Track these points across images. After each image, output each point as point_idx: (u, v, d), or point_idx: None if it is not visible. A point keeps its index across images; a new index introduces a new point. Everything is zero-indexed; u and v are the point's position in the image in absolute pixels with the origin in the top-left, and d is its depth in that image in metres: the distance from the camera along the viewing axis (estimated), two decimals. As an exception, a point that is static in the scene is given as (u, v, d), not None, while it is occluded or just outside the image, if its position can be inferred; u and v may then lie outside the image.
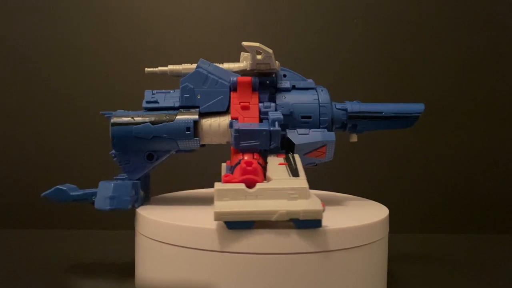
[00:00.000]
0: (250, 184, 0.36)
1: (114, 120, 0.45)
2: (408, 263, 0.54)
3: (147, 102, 0.46)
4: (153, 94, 0.47)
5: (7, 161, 0.70)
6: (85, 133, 0.70)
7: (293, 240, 0.34)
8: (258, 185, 0.35)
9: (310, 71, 0.51)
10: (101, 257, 0.55)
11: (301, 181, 0.36)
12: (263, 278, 0.34)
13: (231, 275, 0.34)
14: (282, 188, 0.35)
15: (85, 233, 0.66)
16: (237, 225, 0.34)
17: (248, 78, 0.44)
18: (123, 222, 0.53)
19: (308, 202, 0.35)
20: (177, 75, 0.47)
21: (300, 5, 0.71)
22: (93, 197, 0.44)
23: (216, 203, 0.34)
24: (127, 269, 0.47)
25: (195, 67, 0.45)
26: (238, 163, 0.39)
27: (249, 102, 0.43)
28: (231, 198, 0.35)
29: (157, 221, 0.38)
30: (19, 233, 0.66)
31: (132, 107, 0.73)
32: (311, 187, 0.36)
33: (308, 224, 0.34)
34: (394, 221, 0.43)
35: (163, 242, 0.37)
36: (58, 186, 0.47)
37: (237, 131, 0.40)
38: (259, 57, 0.43)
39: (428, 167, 0.71)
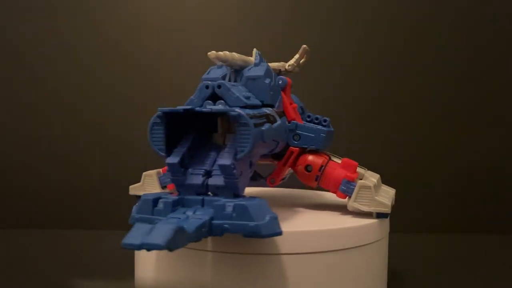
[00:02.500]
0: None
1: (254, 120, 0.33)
2: (408, 263, 0.54)
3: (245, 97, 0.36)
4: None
5: (7, 161, 0.70)
6: (85, 133, 0.70)
7: (293, 240, 0.34)
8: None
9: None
10: (101, 257, 0.55)
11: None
12: (263, 279, 0.34)
13: (231, 275, 0.34)
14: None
15: (85, 233, 0.66)
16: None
17: (290, 80, 0.42)
18: (123, 222, 0.52)
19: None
20: (232, 65, 0.40)
21: (300, 5, 0.71)
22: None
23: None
24: (127, 269, 0.47)
25: (252, 58, 0.40)
26: (327, 163, 0.41)
27: (292, 104, 0.42)
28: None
29: (157, 221, 0.38)
30: (19, 233, 0.66)
31: (133, 106, 0.73)
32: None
33: None
34: (394, 221, 0.43)
35: (163, 242, 0.37)
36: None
37: (329, 132, 0.41)
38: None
39: (428, 167, 0.71)
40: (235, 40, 0.69)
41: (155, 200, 0.32)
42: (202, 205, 0.32)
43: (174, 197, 0.32)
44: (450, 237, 0.67)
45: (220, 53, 0.37)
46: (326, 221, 0.37)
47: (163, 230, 0.26)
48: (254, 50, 0.40)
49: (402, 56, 0.71)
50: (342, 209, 0.43)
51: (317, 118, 0.43)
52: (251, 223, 0.30)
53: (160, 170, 0.44)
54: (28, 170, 0.70)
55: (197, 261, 0.35)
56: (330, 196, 0.51)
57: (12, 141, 0.70)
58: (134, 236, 0.26)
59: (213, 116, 0.36)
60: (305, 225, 0.36)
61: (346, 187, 0.39)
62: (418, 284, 0.48)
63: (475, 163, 0.71)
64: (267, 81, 0.38)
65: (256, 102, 0.37)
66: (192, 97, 0.36)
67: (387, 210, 0.38)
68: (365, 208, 0.39)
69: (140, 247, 0.25)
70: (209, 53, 0.37)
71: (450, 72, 0.71)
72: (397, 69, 0.71)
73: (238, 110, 0.32)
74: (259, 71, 0.38)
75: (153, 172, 0.44)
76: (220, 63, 0.38)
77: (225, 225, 0.30)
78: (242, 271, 0.34)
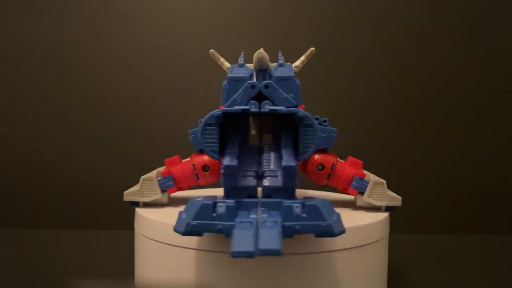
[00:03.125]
0: None
1: None
2: (408, 263, 0.54)
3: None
4: None
5: (7, 161, 0.70)
6: (85, 133, 0.70)
7: (293, 240, 0.34)
8: None
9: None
10: (101, 257, 0.55)
11: None
12: (262, 278, 0.34)
13: (231, 275, 0.34)
14: None
15: (85, 233, 0.66)
16: None
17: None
18: (123, 222, 0.53)
19: None
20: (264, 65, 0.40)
21: (301, 5, 0.71)
22: None
23: None
24: (127, 269, 0.47)
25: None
26: (337, 161, 0.41)
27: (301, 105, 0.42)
28: None
29: (157, 221, 0.38)
30: (19, 233, 0.66)
31: (131, 107, 0.73)
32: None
33: None
34: (394, 221, 0.43)
35: (163, 243, 0.37)
36: None
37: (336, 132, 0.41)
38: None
39: (428, 167, 0.71)
40: (236, 40, 0.69)
41: (214, 205, 0.30)
42: (260, 207, 0.31)
43: (231, 200, 0.31)
44: (450, 237, 0.67)
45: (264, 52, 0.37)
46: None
47: (271, 235, 0.26)
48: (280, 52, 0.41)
49: (403, 56, 0.71)
50: (342, 209, 0.43)
51: (317, 118, 0.43)
52: (324, 223, 0.30)
53: (159, 173, 0.43)
54: (28, 170, 0.70)
55: (197, 261, 0.35)
56: (329, 197, 0.51)
57: (12, 140, 0.70)
58: (242, 243, 0.25)
59: (252, 116, 0.35)
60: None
61: (358, 184, 0.41)
62: (418, 284, 0.48)
63: (475, 163, 0.71)
64: (298, 81, 0.38)
65: (296, 103, 0.37)
66: (235, 96, 0.35)
67: (399, 203, 0.41)
68: (378, 203, 0.41)
69: (254, 254, 0.25)
70: (258, 51, 0.36)
71: (451, 72, 0.71)
72: (397, 69, 0.71)
73: (303, 111, 0.32)
74: (289, 72, 0.38)
75: (152, 175, 0.42)
76: (261, 63, 0.37)
77: (296, 227, 0.30)
78: (242, 271, 0.34)
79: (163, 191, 0.42)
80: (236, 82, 0.37)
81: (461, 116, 0.71)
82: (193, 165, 0.42)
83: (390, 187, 0.44)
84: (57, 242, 0.62)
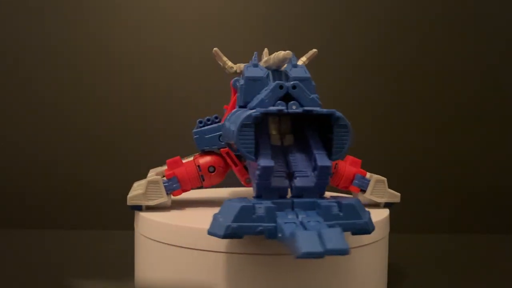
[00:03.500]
0: None
1: None
2: (408, 263, 0.54)
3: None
4: None
5: (7, 161, 0.70)
6: (85, 134, 0.70)
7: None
8: None
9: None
10: (101, 257, 0.55)
11: None
12: (262, 279, 0.34)
13: (231, 275, 0.34)
14: None
15: (85, 233, 0.66)
16: None
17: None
18: (123, 222, 0.53)
19: None
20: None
21: (302, 5, 0.71)
22: None
23: None
24: (127, 269, 0.47)
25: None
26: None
27: None
28: None
29: (157, 221, 0.38)
30: (19, 233, 0.66)
31: (133, 107, 0.73)
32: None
33: None
34: (394, 221, 0.43)
35: (163, 243, 0.37)
36: None
37: None
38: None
39: (428, 167, 0.71)
40: (235, 40, 0.69)
41: (253, 207, 0.30)
42: (292, 208, 0.31)
43: (268, 201, 0.31)
44: (450, 237, 0.67)
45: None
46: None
47: (335, 234, 0.26)
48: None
49: (403, 56, 0.71)
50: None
51: None
52: (361, 221, 0.31)
53: (159, 174, 0.42)
54: (28, 170, 0.70)
55: (197, 261, 0.35)
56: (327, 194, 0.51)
57: (13, 141, 0.70)
58: (310, 244, 0.25)
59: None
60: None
61: (360, 182, 0.43)
62: (418, 284, 0.48)
63: (475, 163, 0.71)
64: (313, 82, 0.38)
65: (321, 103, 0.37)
66: (263, 97, 0.34)
67: (398, 199, 0.44)
68: (379, 200, 0.43)
69: (323, 254, 0.25)
70: (287, 51, 0.36)
71: (451, 73, 0.71)
72: (398, 70, 0.71)
73: (337, 112, 0.33)
74: (304, 73, 0.38)
75: (157, 178, 0.41)
76: (282, 64, 0.37)
77: (335, 226, 0.30)
78: (242, 271, 0.34)
79: (167, 194, 0.41)
80: (254, 82, 0.37)
81: (461, 116, 0.71)
82: (198, 166, 0.42)
83: (390, 187, 0.45)
84: (57, 242, 0.62)
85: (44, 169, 0.70)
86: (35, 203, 0.70)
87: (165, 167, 0.43)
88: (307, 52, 0.47)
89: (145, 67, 0.71)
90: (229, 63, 0.45)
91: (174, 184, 0.41)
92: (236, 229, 0.29)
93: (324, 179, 0.32)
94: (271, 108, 0.33)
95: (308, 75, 0.38)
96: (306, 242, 0.25)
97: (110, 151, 0.70)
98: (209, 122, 0.43)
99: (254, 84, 0.37)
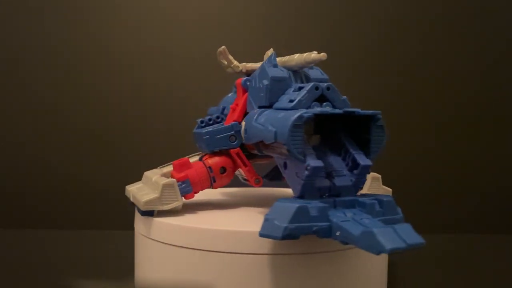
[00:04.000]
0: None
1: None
2: (408, 263, 0.54)
3: None
4: None
5: (7, 161, 0.70)
6: (85, 133, 0.70)
7: (293, 240, 0.34)
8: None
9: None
10: (101, 257, 0.55)
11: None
12: (263, 278, 0.34)
13: (231, 275, 0.34)
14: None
15: (85, 233, 0.66)
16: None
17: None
18: (123, 222, 0.53)
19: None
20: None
21: (302, 5, 0.71)
22: None
23: None
24: (127, 269, 0.47)
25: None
26: None
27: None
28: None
29: (156, 221, 0.38)
30: (19, 233, 0.66)
31: (133, 107, 0.73)
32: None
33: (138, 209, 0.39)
34: (394, 221, 0.43)
35: (163, 242, 0.37)
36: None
37: None
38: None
39: (428, 167, 0.71)
40: (236, 40, 0.69)
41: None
42: (335, 206, 0.32)
43: (316, 201, 0.31)
44: (450, 237, 0.67)
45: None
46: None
47: (408, 229, 0.28)
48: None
49: (404, 56, 0.71)
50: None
51: None
52: (398, 216, 0.33)
53: (165, 175, 0.41)
54: (28, 170, 0.70)
55: (197, 261, 0.35)
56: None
57: (13, 141, 0.70)
58: (392, 240, 0.26)
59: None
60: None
61: None
62: (418, 284, 0.48)
63: (475, 163, 0.71)
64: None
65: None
66: (300, 98, 0.34)
67: (390, 194, 0.44)
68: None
69: (406, 249, 0.27)
70: (322, 54, 0.37)
71: (451, 72, 0.71)
72: (397, 69, 0.71)
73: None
74: (322, 74, 0.39)
75: (173, 181, 0.39)
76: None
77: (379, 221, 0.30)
78: (242, 271, 0.34)
79: (182, 196, 0.39)
80: (279, 82, 0.37)
81: (461, 116, 0.71)
82: (210, 167, 0.41)
83: (390, 187, 0.45)
84: (57, 242, 0.62)
85: (44, 169, 0.70)
86: (35, 203, 0.70)
87: (165, 169, 0.43)
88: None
89: (145, 67, 0.71)
90: (235, 62, 0.44)
91: (187, 187, 0.39)
92: (294, 230, 0.30)
93: (363, 177, 0.33)
94: (326, 109, 0.34)
95: (326, 76, 0.39)
96: (388, 238, 0.26)
97: (110, 151, 0.70)
98: (211, 122, 0.42)
99: (278, 84, 0.37)
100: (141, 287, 0.41)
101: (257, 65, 0.43)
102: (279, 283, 0.34)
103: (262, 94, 0.38)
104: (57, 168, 0.70)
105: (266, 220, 0.31)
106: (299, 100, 0.34)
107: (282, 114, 0.33)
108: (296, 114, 0.32)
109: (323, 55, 0.37)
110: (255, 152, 0.39)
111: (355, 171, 0.33)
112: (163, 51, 0.71)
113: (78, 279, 0.48)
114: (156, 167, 0.46)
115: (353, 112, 0.34)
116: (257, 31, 0.71)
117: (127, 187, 0.44)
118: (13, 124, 0.70)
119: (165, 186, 0.38)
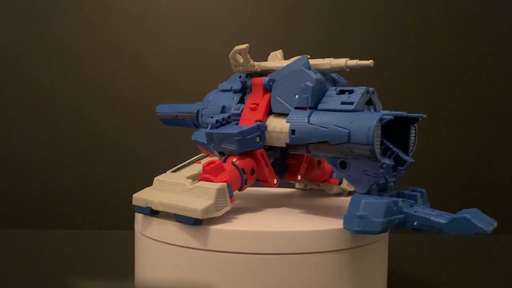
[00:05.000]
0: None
1: None
2: (408, 263, 0.54)
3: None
4: None
5: (8, 161, 0.70)
6: (85, 134, 0.71)
7: (293, 240, 0.34)
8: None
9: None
10: (101, 257, 0.55)
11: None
12: (263, 278, 0.34)
13: (231, 275, 0.34)
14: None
15: (85, 233, 0.66)
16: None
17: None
18: (123, 222, 0.53)
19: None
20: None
21: (301, 4, 0.71)
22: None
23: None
24: (127, 269, 0.47)
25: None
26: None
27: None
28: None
29: (157, 221, 0.38)
30: (19, 233, 0.66)
31: (133, 107, 0.73)
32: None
33: (184, 220, 0.36)
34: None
35: (163, 242, 0.37)
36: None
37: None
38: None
39: (428, 167, 0.71)
40: (236, 41, 0.69)
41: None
42: None
43: (389, 197, 0.34)
44: (450, 237, 0.67)
45: None
46: (327, 221, 0.37)
47: (483, 214, 0.34)
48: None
49: (403, 53, 0.71)
50: (342, 209, 0.43)
51: None
52: (429, 204, 0.37)
53: (193, 177, 0.39)
54: (29, 170, 0.70)
55: (197, 261, 0.35)
56: (324, 196, 0.51)
57: (14, 141, 0.70)
58: (483, 223, 0.32)
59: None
60: (306, 225, 0.36)
61: (338, 175, 0.48)
62: (418, 284, 0.48)
63: (475, 163, 0.71)
64: None
65: None
66: (358, 100, 0.37)
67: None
68: (350, 188, 0.49)
69: (494, 228, 0.34)
70: (370, 61, 0.39)
71: (451, 72, 0.71)
72: (397, 67, 0.71)
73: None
74: (339, 78, 0.42)
75: (225, 185, 0.36)
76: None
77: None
78: (242, 270, 0.34)
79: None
80: (320, 84, 0.39)
81: (461, 116, 0.71)
82: (242, 169, 0.39)
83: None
84: (57, 242, 0.62)
85: (45, 169, 0.70)
86: (35, 203, 0.70)
87: (187, 172, 0.41)
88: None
89: (151, 68, 0.71)
90: (252, 61, 0.43)
91: (231, 191, 0.37)
92: (386, 224, 0.33)
93: (404, 172, 0.36)
94: (402, 112, 0.37)
95: (345, 80, 0.43)
96: (479, 221, 0.32)
97: (111, 151, 0.70)
98: (224, 122, 0.42)
99: (319, 86, 0.39)
100: (141, 287, 0.41)
101: (273, 65, 0.43)
102: (279, 283, 0.34)
103: (305, 96, 0.38)
104: (57, 168, 0.70)
105: (358, 216, 0.33)
106: (358, 103, 0.37)
107: (350, 116, 0.35)
108: (377, 116, 0.34)
109: (371, 62, 0.39)
110: (293, 151, 0.39)
111: (399, 167, 0.36)
112: (170, 51, 0.71)
113: (78, 279, 0.48)
114: (156, 169, 0.46)
115: (419, 116, 0.38)
116: (257, 31, 0.71)
117: (140, 195, 0.40)
118: (14, 124, 0.70)
119: (219, 191, 0.36)
